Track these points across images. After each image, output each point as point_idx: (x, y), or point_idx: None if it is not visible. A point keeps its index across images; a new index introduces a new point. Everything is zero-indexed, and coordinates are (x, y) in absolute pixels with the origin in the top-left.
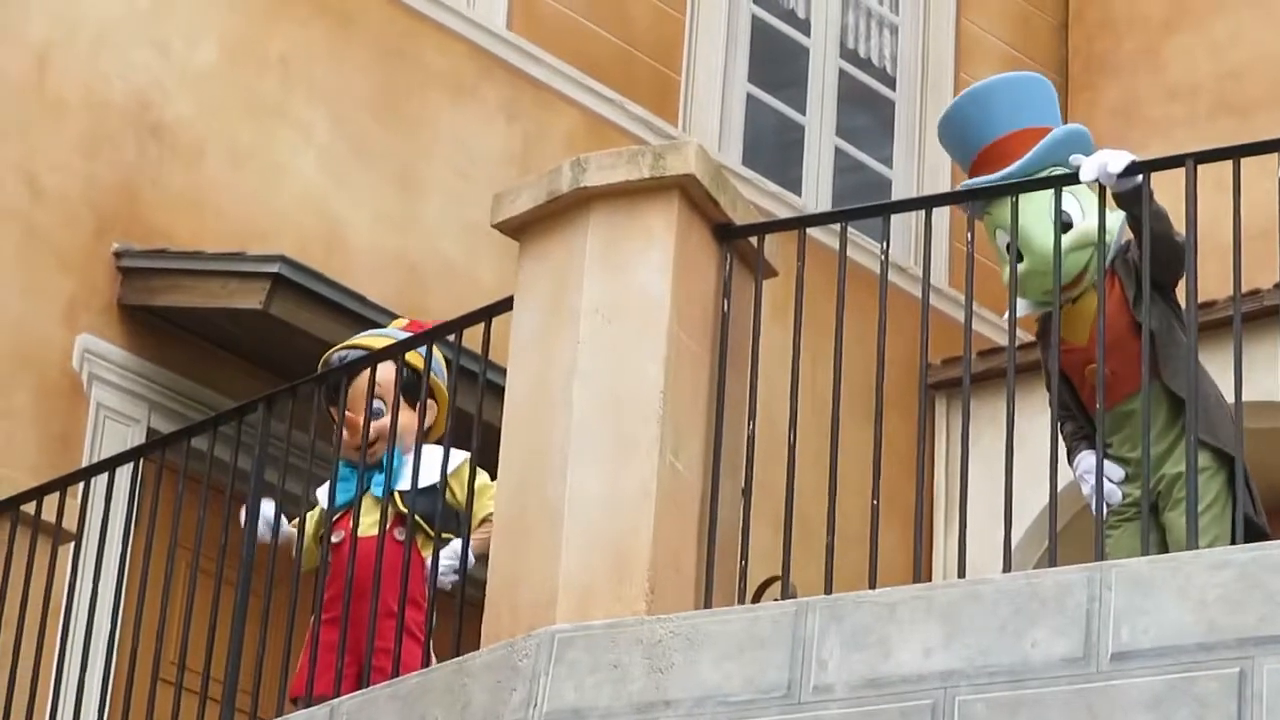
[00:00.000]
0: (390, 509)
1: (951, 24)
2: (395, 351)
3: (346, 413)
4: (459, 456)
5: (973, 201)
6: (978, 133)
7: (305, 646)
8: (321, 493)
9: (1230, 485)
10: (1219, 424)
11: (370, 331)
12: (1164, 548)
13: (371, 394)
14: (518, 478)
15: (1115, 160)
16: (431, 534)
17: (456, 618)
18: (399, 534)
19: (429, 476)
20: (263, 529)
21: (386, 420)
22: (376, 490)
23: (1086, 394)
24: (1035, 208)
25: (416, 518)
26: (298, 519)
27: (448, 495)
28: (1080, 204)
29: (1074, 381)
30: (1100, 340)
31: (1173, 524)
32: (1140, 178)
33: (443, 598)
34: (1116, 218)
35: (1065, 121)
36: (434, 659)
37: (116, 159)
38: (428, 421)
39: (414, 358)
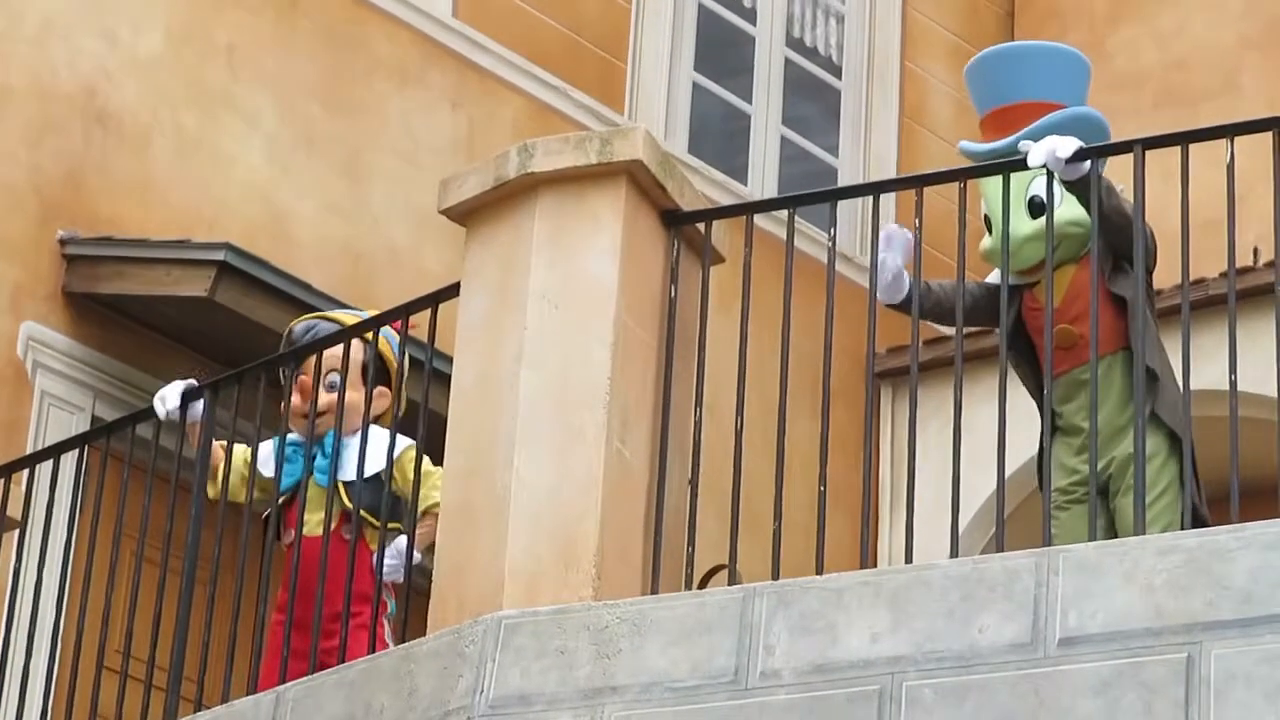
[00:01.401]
0: (336, 505)
1: (898, 13)
2: (351, 336)
3: (300, 376)
4: (403, 443)
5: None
6: (1002, 90)
7: (270, 652)
8: (265, 446)
9: (1182, 474)
10: (1175, 405)
11: (340, 310)
12: (1112, 533)
13: (317, 365)
14: (465, 464)
15: (1063, 146)
16: (377, 526)
17: (403, 604)
18: (346, 533)
19: (374, 466)
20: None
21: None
22: (320, 478)
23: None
24: (1011, 187)
25: (362, 512)
26: (225, 443)
27: (392, 484)
28: (1061, 190)
29: (1036, 344)
30: (1048, 318)
31: (1123, 510)
32: (1088, 164)
33: (389, 584)
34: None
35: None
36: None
37: (62, 146)
38: (383, 407)
39: (383, 348)
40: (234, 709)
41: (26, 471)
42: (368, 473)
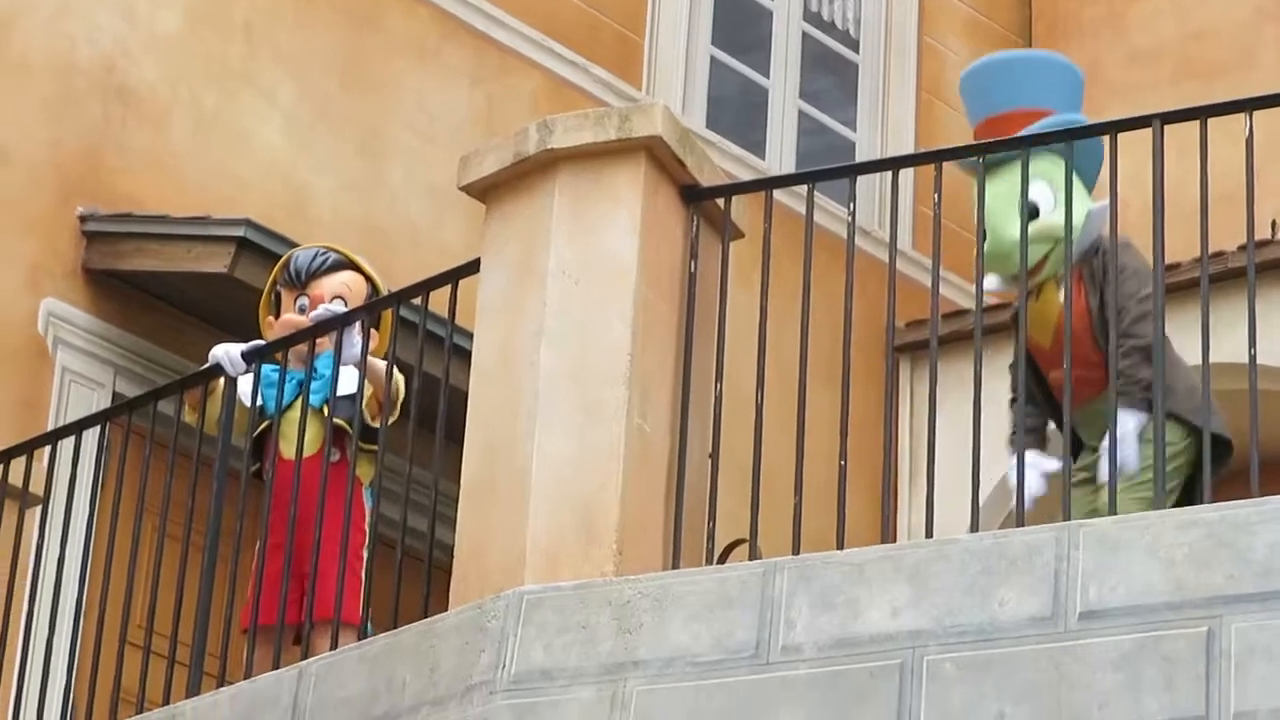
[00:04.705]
0: (323, 425)
1: None
2: (362, 315)
3: (292, 315)
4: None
5: (970, 159)
6: (994, 99)
7: (251, 575)
8: (223, 358)
9: (1192, 464)
10: (1185, 402)
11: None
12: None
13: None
14: (485, 440)
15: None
16: (351, 436)
17: (424, 579)
18: (331, 455)
19: (348, 386)
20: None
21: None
22: (314, 399)
23: (1051, 385)
24: (1005, 189)
25: (338, 420)
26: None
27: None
28: (1053, 193)
29: (1040, 367)
30: (1067, 346)
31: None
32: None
33: (410, 561)
34: (1083, 211)
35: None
36: (361, 582)
37: (81, 123)
38: (373, 347)
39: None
40: (257, 685)
41: (48, 448)
42: (343, 392)
